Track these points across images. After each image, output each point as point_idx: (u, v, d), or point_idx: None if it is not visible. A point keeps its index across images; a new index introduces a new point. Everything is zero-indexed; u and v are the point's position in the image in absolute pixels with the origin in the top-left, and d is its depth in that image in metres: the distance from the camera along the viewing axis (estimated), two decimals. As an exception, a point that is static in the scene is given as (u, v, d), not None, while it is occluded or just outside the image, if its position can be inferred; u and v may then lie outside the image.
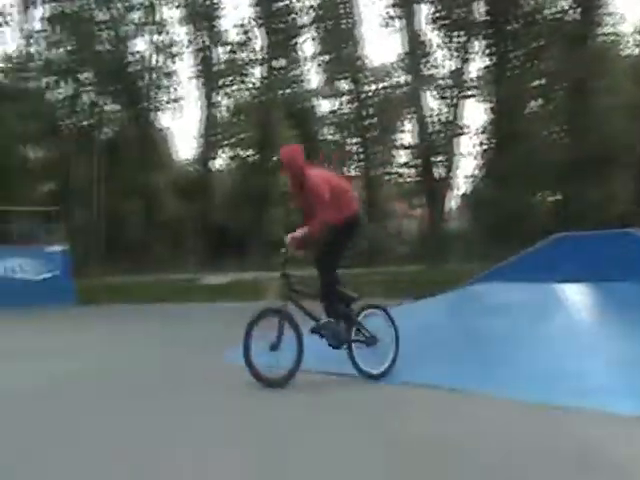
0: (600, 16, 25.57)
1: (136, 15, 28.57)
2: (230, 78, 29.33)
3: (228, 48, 29.27)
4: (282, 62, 29.33)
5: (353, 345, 5.92)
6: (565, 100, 25.65)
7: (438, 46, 26.95)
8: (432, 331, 7.17)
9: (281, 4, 28.48)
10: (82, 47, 27.00)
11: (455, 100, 27.10)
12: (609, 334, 6.32)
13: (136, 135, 28.71)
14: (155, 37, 28.99)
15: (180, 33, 29.24)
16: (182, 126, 67.18)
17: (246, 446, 4.00)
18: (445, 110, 27.28)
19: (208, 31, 29.20)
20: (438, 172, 27.16)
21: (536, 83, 25.86)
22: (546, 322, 6.72)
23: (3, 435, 4.42)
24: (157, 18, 28.88)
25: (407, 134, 29.84)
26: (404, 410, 4.99)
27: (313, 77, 29.87)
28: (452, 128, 27.00)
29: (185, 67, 30.97)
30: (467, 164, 48.35)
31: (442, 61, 27.08)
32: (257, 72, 29.74)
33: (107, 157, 27.36)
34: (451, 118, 27.11)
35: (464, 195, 29.86)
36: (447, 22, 26.44)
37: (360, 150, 30.08)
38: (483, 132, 27.03)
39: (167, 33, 29.06)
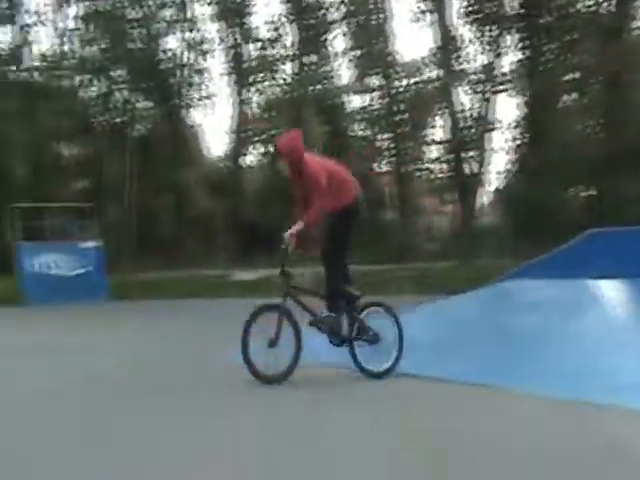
0: (635, 9, 25.06)
1: (168, 12, 28.73)
2: (261, 75, 29.34)
3: (259, 45, 29.23)
4: (313, 58, 29.26)
5: (355, 343, 5.88)
6: (600, 93, 25.23)
7: (470, 40, 26.59)
8: (463, 327, 7.15)
9: (312, 0, 28.48)
10: (115, 45, 27.30)
11: (487, 95, 26.82)
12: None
13: (168, 132, 28.94)
14: (186, 34, 29.10)
15: (211, 30, 29.35)
16: (213, 123, 67.59)
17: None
18: (477, 105, 26.97)
19: (239, 28, 29.23)
20: (470, 168, 26.90)
21: (570, 77, 25.42)
22: (578, 319, 6.64)
23: (36, 431, 4.49)
24: (188, 15, 29.02)
25: (438, 129, 29.55)
26: (426, 405, 4.97)
27: (344, 73, 29.61)
28: (484, 123, 26.71)
29: (216, 64, 30.94)
30: (499, 159, 47.79)
31: (474, 55, 26.71)
32: (288, 68, 29.69)
33: (139, 154, 27.66)
34: (483, 113, 26.81)
35: (496, 191, 29.55)
36: (479, 16, 26.10)
37: (391, 146, 29.86)
38: (516, 127, 26.66)
39: (198, 30, 29.15)
